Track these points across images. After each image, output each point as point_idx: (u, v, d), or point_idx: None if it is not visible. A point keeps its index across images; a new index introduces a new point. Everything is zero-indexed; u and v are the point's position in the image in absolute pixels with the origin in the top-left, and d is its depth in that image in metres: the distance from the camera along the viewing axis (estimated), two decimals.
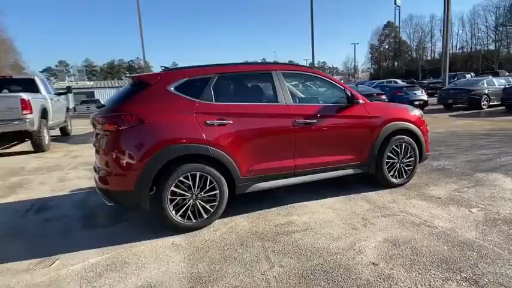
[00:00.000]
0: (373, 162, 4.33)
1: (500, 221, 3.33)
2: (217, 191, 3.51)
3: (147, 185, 3.26)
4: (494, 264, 2.58)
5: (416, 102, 15.25)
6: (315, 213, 3.78)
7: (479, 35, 68.72)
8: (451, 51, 71.87)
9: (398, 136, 4.42)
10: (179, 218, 3.39)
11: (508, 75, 21.21)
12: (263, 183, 3.78)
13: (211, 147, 3.41)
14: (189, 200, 3.42)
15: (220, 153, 3.46)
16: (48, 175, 6.48)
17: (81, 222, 3.94)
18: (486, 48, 67.98)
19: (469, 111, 14.81)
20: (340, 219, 3.58)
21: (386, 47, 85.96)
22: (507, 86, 15.24)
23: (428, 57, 75.49)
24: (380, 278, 2.47)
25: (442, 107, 16.80)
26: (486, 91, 15.56)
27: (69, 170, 6.87)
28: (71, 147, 10.28)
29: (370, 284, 2.40)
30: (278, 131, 3.78)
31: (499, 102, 15.04)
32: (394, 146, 4.41)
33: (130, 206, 3.59)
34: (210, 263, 2.83)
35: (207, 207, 3.50)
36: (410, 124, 4.51)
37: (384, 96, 14.23)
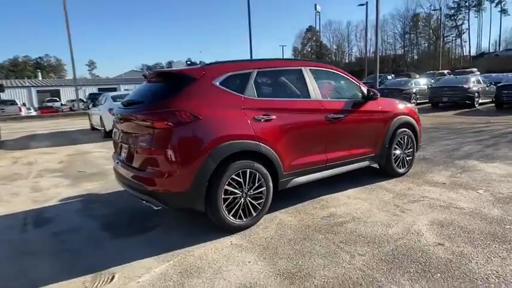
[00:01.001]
0: (384, 154, 4.67)
1: (508, 199, 3.88)
2: (264, 188, 3.45)
3: (204, 185, 3.07)
4: None
5: None
6: (348, 204, 3.95)
7: (389, 40, 76.67)
8: (367, 55, 78.77)
9: (402, 129, 4.83)
10: (231, 217, 3.27)
11: (429, 77, 24.20)
12: (301, 177, 3.82)
13: (261, 143, 3.36)
14: (240, 199, 3.31)
15: (268, 149, 3.42)
16: (13, 185, 5.63)
17: (105, 232, 3.54)
18: (394, 53, 76.05)
19: None
20: (376, 208, 3.80)
21: (309, 49, 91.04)
22: (433, 86, 17.42)
23: (346, 60, 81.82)
24: (456, 255, 2.71)
25: None
26: (414, 90, 17.56)
27: (35, 178, 6.05)
28: (13, 153, 9.00)
29: (452, 261, 2.63)
30: (314, 126, 3.87)
31: (426, 100, 17.10)
32: (399, 139, 4.81)
33: (183, 208, 3.32)
34: (289, 259, 2.80)
35: (256, 204, 3.43)
36: (410, 117, 4.96)
37: None
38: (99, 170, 6.42)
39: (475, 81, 15.84)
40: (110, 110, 10.76)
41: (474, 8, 61.77)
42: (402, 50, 75.04)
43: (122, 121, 3.50)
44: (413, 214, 3.58)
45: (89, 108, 14.61)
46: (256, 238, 3.21)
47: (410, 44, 72.78)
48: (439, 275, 2.47)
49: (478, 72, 28.45)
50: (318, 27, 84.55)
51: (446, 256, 2.71)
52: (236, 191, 3.27)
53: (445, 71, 32.01)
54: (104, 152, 8.45)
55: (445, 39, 63.96)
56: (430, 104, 16.67)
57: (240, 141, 3.25)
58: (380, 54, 79.91)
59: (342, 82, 4.49)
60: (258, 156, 3.38)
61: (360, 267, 2.63)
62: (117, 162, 3.69)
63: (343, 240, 3.08)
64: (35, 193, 5.09)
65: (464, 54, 64.49)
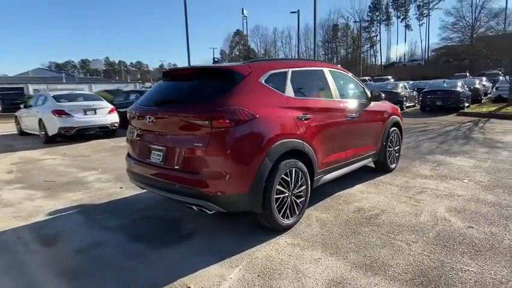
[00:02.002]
0: (382, 151, 5.07)
1: (492, 186, 4.53)
2: (304, 186, 3.51)
3: (262, 185, 3.01)
4: None
5: None
6: (367, 199, 4.21)
7: (312, 47, 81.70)
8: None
9: (394, 128, 5.30)
10: (281, 217, 3.26)
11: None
12: (328, 175, 3.97)
13: (304, 142, 3.41)
14: (287, 198, 3.32)
15: (308, 148, 3.49)
16: None
17: (138, 243, 3.22)
18: (316, 59, 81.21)
19: None
20: (394, 200, 4.11)
21: (237, 53, 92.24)
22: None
23: None
24: (490, 235, 3.11)
25: None
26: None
27: None
28: None
29: (490, 240, 3.02)
30: (339, 125, 4.05)
31: None
32: (391, 137, 5.26)
33: (240, 211, 3.16)
34: (356, 252, 2.90)
35: (298, 203, 3.46)
36: (398, 117, 5.47)
37: None
38: (71, 179, 5.72)
39: (402, 87, 17.83)
40: (56, 111, 9.66)
41: (384, 22, 69.29)
42: (324, 57, 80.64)
43: (152, 121, 3.21)
44: (428, 203, 3.97)
45: (17, 109, 12.76)
46: (307, 236, 3.25)
47: (331, 52, 78.52)
48: (489, 252, 2.82)
49: (393, 79, 32.14)
50: (245, 32, 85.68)
51: (483, 236, 3.10)
52: (285, 190, 3.27)
53: (367, 78, 35.40)
54: (58, 159, 7.53)
55: (361, 49, 70.63)
56: None
57: (290, 140, 3.26)
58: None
59: (352, 84, 4.76)
60: (300, 154, 3.42)
61: (421, 252, 2.85)
62: (138, 164, 3.43)
63: (389, 231, 3.30)
64: (7, 208, 4.35)
65: (377, 63, 71.89)
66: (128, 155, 3.79)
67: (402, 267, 2.65)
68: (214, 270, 2.68)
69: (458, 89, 15.58)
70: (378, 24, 69.46)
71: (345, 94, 4.49)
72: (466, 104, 15.74)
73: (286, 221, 3.31)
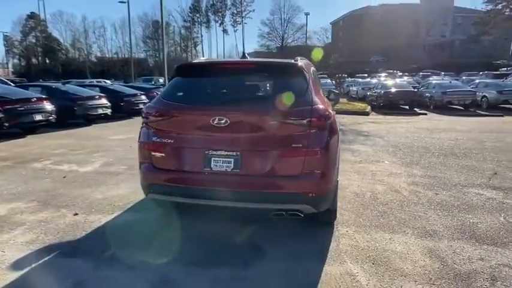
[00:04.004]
0: None
1: (408, 163, 6.03)
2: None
3: (337, 180, 3.12)
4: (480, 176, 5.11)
5: None
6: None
7: (133, 41, 77.35)
8: (107, 56, 75.95)
9: None
10: None
11: None
12: None
13: None
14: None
15: None
16: None
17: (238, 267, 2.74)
18: (137, 56, 77.67)
19: None
20: (368, 183, 4.92)
21: (34, 41, 76.59)
22: None
23: (93, 59, 75.91)
24: (448, 196, 4.31)
25: None
26: None
27: None
28: None
29: (453, 197, 4.19)
30: None
31: None
32: None
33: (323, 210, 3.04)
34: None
35: None
36: None
37: (144, 97, 14.72)
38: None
39: None
40: None
41: (205, 25, 73.20)
42: (145, 54, 77.79)
43: (225, 122, 2.74)
44: (389, 182, 4.97)
45: None
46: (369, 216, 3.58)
47: (154, 48, 76.60)
48: (439, 206, 3.95)
49: None
50: (43, 16, 71.30)
51: (446, 197, 4.26)
52: None
53: None
54: None
55: (183, 48, 72.34)
56: None
57: None
58: (123, 56, 78.86)
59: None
60: None
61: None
62: (185, 175, 2.93)
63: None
64: None
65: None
66: (152, 165, 3.03)
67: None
68: (336, 270, 2.67)
69: None
70: (200, 26, 72.76)
71: None
72: None
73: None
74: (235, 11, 71.72)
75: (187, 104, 2.95)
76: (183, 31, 69.40)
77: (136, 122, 12.59)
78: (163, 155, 2.98)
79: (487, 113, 14.81)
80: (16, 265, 2.79)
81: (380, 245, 3.09)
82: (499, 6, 39.99)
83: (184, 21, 70.97)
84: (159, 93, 15.88)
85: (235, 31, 72.91)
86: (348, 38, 62.80)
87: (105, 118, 12.30)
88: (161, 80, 32.55)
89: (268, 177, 2.80)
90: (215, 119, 2.76)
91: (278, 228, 3.46)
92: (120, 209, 3.96)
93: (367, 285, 2.49)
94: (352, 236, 3.26)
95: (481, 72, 28.13)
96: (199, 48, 74.57)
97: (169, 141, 2.94)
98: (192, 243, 3.14)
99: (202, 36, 73.54)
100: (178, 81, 3.22)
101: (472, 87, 17.14)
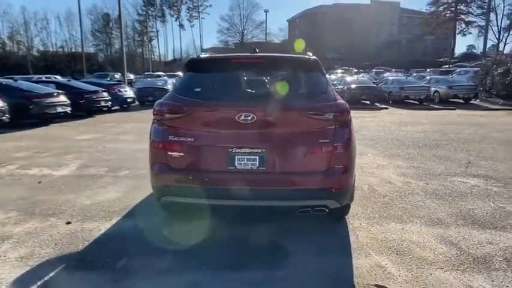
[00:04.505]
0: None
1: (389, 156, 6.28)
2: None
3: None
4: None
5: (129, 100, 16.12)
6: None
7: (78, 36, 72.62)
8: (51, 50, 70.37)
9: None
10: None
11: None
12: None
13: None
14: None
15: None
16: None
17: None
18: (86, 50, 73.11)
19: None
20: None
21: None
22: (140, 87, 18.75)
23: (35, 53, 70.01)
24: (433, 185, 4.56)
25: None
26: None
27: None
28: None
29: (440, 188, 4.44)
30: None
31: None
32: None
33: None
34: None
35: None
36: None
37: (105, 94, 13.95)
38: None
39: (172, 83, 17.89)
40: None
41: (160, 19, 70.73)
42: (95, 49, 73.56)
43: (251, 119, 2.63)
44: (378, 173, 5.14)
45: None
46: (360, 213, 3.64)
47: (105, 43, 72.67)
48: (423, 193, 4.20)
49: (166, 76, 32.95)
50: None
51: (432, 187, 4.51)
52: None
53: (161, 73, 35.44)
54: None
55: (137, 43, 69.43)
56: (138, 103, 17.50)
57: None
58: (69, 50, 73.64)
59: None
60: None
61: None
62: (207, 175, 2.78)
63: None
64: None
65: (156, 59, 72.62)
66: (168, 166, 2.82)
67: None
68: (365, 263, 2.69)
69: None
70: (154, 20, 70.22)
71: None
72: None
73: None
74: (191, 6, 70.21)
75: (209, 100, 2.79)
76: (136, 25, 66.46)
77: (100, 121, 11.98)
78: (181, 154, 2.79)
79: (441, 107, 15.94)
80: (18, 285, 2.47)
81: (396, 235, 3.17)
82: (441, 8, 43.25)
83: (139, 14, 68.08)
84: (121, 89, 15.26)
85: (192, 26, 71.46)
86: (305, 36, 64.26)
87: (63, 117, 11.42)
88: (117, 76, 31.00)
89: (295, 174, 2.74)
90: (241, 115, 2.64)
91: (293, 225, 3.42)
92: (117, 215, 3.67)
93: (399, 275, 2.54)
94: (367, 229, 3.31)
95: (428, 70, 30.23)
96: (154, 43, 72.15)
97: (188, 139, 2.76)
98: (210, 245, 2.99)
99: (158, 31, 71.21)
100: (192, 76, 3.04)
101: (425, 83, 18.33)
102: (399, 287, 2.40)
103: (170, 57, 75.39)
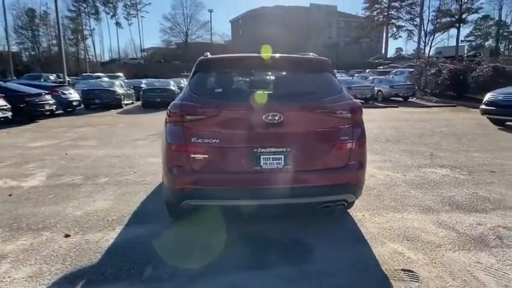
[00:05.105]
0: None
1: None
2: None
3: None
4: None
5: (75, 103, 15.02)
6: None
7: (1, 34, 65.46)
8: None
9: None
10: None
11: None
12: None
13: None
14: None
15: None
16: None
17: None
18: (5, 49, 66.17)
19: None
20: None
21: None
22: (84, 89, 17.51)
23: None
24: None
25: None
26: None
27: None
28: None
29: (420, 180, 4.90)
30: None
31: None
32: None
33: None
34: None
35: None
36: None
37: (48, 97, 12.86)
38: None
39: (119, 85, 18.13)
40: None
41: (93, 16, 66.33)
42: (19, 48, 66.80)
43: (279, 119, 2.68)
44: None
45: None
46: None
47: (32, 41, 66.33)
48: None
49: (106, 78, 31.73)
50: None
51: (412, 178, 4.96)
52: None
53: (102, 74, 33.34)
54: None
55: (71, 41, 64.37)
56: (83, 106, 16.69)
57: None
58: None
59: None
60: None
61: None
62: (231, 176, 2.80)
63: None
64: None
65: (90, 59, 67.97)
66: (190, 169, 2.75)
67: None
68: (384, 251, 2.89)
69: (171, 87, 17.72)
70: (88, 17, 65.71)
71: None
72: None
73: None
74: (128, 3, 66.99)
75: (234, 101, 2.78)
76: (67, 22, 61.42)
77: (47, 127, 10.93)
78: (206, 156, 2.74)
79: (385, 105, 17.26)
80: None
81: (399, 224, 3.44)
82: (375, 13, 46.74)
83: (70, 10, 63.14)
84: (65, 92, 14.13)
85: (130, 25, 68.23)
86: (248, 37, 64.94)
87: (2, 123, 10.27)
88: (52, 78, 28.53)
89: (318, 171, 2.86)
90: (268, 115, 2.68)
91: (303, 220, 3.52)
92: (118, 224, 3.47)
93: (418, 259, 2.78)
94: (371, 220, 3.54)
95: (367, 70, 32.48)
96: (89, 42, 67.52)
97: (213, 141, 2.72)
98: (232, 246, 2.98)
99: (93, 29, 66.78)
100: (208, 76, 2.99)
101: (369, 83, 19.71)
102: (423, 270, 2.63)
103: (107, 58, 71.27)
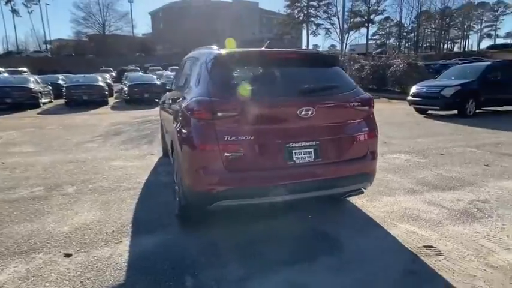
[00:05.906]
0: None
1: None
2: None
3: None
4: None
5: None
6: None
7: None
8: None
9: None
10: None
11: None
12: None
13: None
14: None
15: None
16: None
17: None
18: None
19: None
20: None
21: None
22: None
23: None
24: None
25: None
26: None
27: None
28: None
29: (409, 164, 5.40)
30: None
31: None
32: None
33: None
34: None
35: None
36: None
37: None
38: None
39: (35, 81, 15.99)
40: None
41: None
42: None
43: (311, 113, 2.70)
44: None
45: None
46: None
47: None
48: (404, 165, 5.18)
49: (28, 72, 28.26)
50: None
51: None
52: None
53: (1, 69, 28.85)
54: None
55: None
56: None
57: None
58: None
59: None
60: None
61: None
62: (267, 172, 2.75)
63: None
64: None
65: None
66: (222, 169, 2.61)
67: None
68: (398, 231, 3.13)
69: (100, 83, 16.37)
70: None
71: None
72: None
73: None
74: None
75: (266, 96, 2.70)
76: None
77: None
78: (239, 154, 2.62)
79: None
80: None
81: (397, 206, 3.75)
82: (295, 11, 49.00)
83: None
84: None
85: (30, 12, 60.40)
86: (170, 30, 62.67)
87: None
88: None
89: (345, 162, 2.97)
90: (302, 110, 2.69)
91: (310, 211, 3.60)
92: (123, 235, 3.14)
93: (430, 236, 3.08)
94: (372, 205, 3.80)
95: None
96: None
97: (246, 137, 2.62)
98: (261, 244, 2.94)
99: None
100: (229, 72, 2.85)
101: None
102: (440, 244, 2.93)
103: (0, 50, 62.03)
